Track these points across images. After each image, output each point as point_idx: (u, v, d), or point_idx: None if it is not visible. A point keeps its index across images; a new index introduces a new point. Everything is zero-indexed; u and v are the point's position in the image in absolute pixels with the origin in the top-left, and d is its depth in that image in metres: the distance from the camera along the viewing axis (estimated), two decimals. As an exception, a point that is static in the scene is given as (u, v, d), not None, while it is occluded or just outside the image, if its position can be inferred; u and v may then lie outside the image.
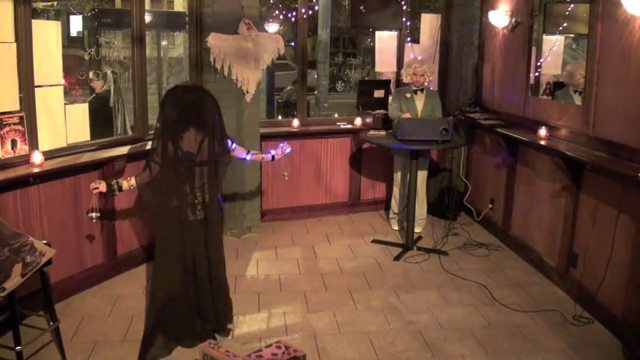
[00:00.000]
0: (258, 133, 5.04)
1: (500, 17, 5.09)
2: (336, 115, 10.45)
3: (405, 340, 3.42)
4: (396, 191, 5.33)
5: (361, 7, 5.63)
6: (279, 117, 10.59)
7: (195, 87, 3.40)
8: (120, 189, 3.24)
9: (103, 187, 3.19)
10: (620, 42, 3.50)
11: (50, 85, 3.65)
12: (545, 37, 4.85)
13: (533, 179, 4.60)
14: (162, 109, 3.12)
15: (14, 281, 2.69)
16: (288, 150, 3.73)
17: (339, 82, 19.01)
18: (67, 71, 4.72)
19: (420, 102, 5.05)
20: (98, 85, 5.60)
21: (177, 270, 3.23)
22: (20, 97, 3.44)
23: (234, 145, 3.44)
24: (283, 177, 3.98)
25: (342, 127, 5.65)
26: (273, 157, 3.69)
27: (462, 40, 5.79)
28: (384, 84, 5.84)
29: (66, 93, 4.03)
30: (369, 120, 5.54)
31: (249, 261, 4.59)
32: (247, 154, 3.56)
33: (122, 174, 4.03)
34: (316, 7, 10.42)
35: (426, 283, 4.24)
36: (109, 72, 5.67)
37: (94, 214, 3.18)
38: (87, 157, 3.82)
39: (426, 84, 5.09)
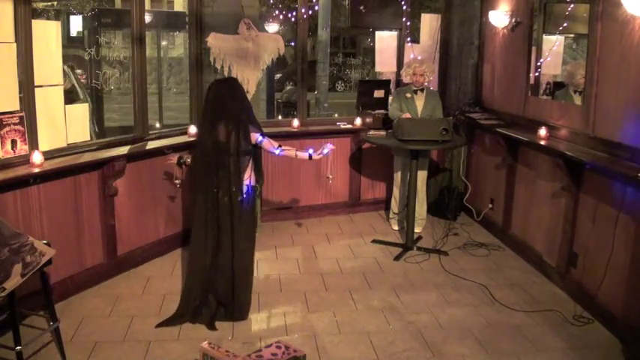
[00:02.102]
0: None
1: (500, 17, 5.09)
2: (336, 115, 10.46)
3: (405, 340, 3.42)
4: (396, 191, 5.33)
5: (361, 7, 5.63)
6: (279, 117, 10.60)
7: (229, 82, 3.76)
8: (185, 163, 3.85)
9: (175, 159, 3.89)
10: (620, 42, 3.50)
11: (50, 85, 3.65)
12: (545, 37, 4.85)
13: (533, 179, 4.60)
14: (204, 101, 3.62)
15: (14, 281, 2.69)
16: (326, 150, 3.72)
17: (339, 82, 19.01)
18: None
19: (420, 102, 5.05)
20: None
21: (203, 250, 3.57)
22: (20, 97, 3.43)
23: (260, 137, 3.56)
24: (327, 180, 3.98)
25: (342, 127, 5.65)
26: (310, 156, 3.67)
27: (462, 40, 5.79)
28: (384, 84, 5.84)
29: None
30: (369, 120, 5.54)
31: (249, 261, 4.58)
32: (277, 148, 3.62)
33: (122, 174, 4.04)
34: (316, 7, 10.42)
35: (426, 283, 4.24)
36: (66, 68, 5.42)
37: (178, 181, 3.94)
38: (87, 157, 3.81)
39: (425, 84, 5.09)
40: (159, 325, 3.48)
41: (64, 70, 5.01)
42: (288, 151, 3.66)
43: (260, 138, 3.57)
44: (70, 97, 5.41)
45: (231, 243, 3.55)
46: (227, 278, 3.57)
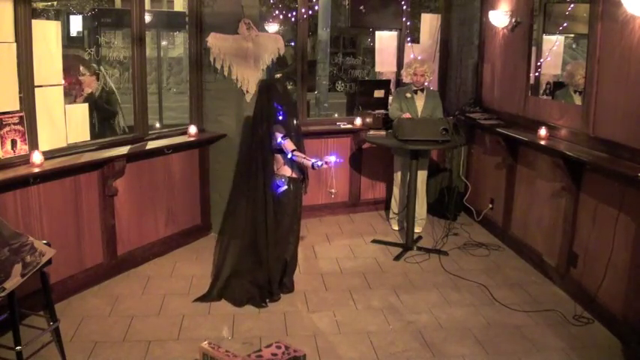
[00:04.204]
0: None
1: (500, 17, 5.09)
2: (336, 115, 10.45)
3: (405, 340, 3.42)
4: (396, 191, 5.33)
5: (361, 7, 5.63)
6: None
7: (268, 82, 4.04)
8: None
9: None
10: (620, 42, 3.50)
11: (50, 85, 3.65)
12: (545, 37, 4.85)
13: (533, 179, 4.60)
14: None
15: (14, 281, 2.69)
16: (320, 163, 3.68)
17: (339, 82, 18.97)
18: (67, 71, 4.64)
19: (420, 102, 5.05)
20: (93, 82, 4.86)
21: (239, 237, 3.93)
22: (20, 97, 3.43)
23: (279, 139, 3.72)
24: (330, 194, 3.96)
25: (342, 127, 5.65)
26: (313, 165, 3.70)
27: (462, 40, 5.79)
28: (384, 84, 5.84)
29: (66, 94, 4.02)
30: (369, 120, 5.54)
31: (249, 261, 4.58)
32: (289, 152, 3.73)
33: (122, 174, 4.04)
34: (316, 7, 10.42)
35: (426, 283, 4.24)
36: (102, 69, 5.34)
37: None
38: (87, 157, 3.82)
39: (426, 84, 5.09)
40: (195, 301, 3.83)
41: (100, 72, 5.00)
42: (298, 156, 3.75)
43: (279, 139, 3.72)
44: (112, 98, 5.16)
45: (266, 233, 3.83)
46: (264, 268, 3.85)
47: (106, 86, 4.95)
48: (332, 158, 3.70)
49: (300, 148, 3.86)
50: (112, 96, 4.91)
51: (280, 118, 3.78)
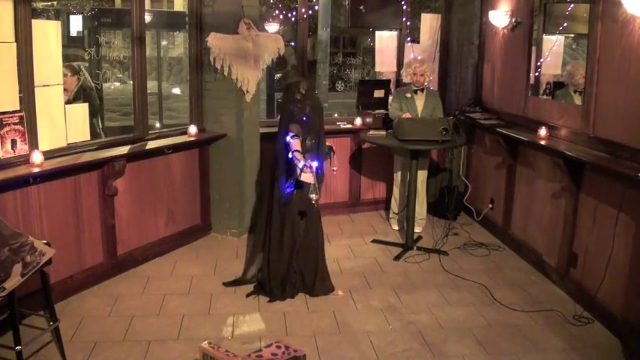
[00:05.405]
0: (258, 133, 5.04)
1: (500, 17, 5.09)
2: (336, 115, 10.45)
3: (405, 340, 3.42)
4: (396, 191, 5.33)
5: (361, 7, 5.63)
6: (279, 117, 10.55)
7: (290, 82, 3.99)
8: None
9: None
10: (620, 42, 3.50)
11: (50, 85, 3.64)
12: (545, 37, 4.85)
13: (533, 179, 4.60)
14: None
15: (14, 281, 2.69)
16: (301, 164, 3.59)
17: (339, 82, 18.97)
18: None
19: (420, 102, 5.05)
20: (73, 82, 4.69)
21: (263, 236, 4.01)
22: (20, 97, 3.43)
23: (288, 137, 3.69)
24: (311, 199, 3.85)
25: (342, 127, 5.65)
26: (300, 168, 3.63)
27: (462, 40, 5.79)
28: (384, 84, 5.84)
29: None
30: (369, 120, 5.54)
31: (249, 261, 4.58)
32: (291, 152, 3.69)
33: (122, 174, 4.04)
34: (316, 7, 10.42)
35: (426, 283, 4.24)
36: (83, 66, 5.13)
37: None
38: (87, 157, 3.81)
39: (426, 84, 5.09)
40: (225, 284, 4.05)
41: (79, 68, 4.92)
42: (295, 157, 3.67)
43: (288, 138, 3.70)
44: (91, 94, 4.96)
45: (269, 234, 3.88)
46: (267, 266, 3.92)
47: (85, 85, 4.87)
48: (314, 163, 3.62)
49: (320, 148, 3.83)
50: (91, 93, 4.84)
51: (304, 118, 3.76)
